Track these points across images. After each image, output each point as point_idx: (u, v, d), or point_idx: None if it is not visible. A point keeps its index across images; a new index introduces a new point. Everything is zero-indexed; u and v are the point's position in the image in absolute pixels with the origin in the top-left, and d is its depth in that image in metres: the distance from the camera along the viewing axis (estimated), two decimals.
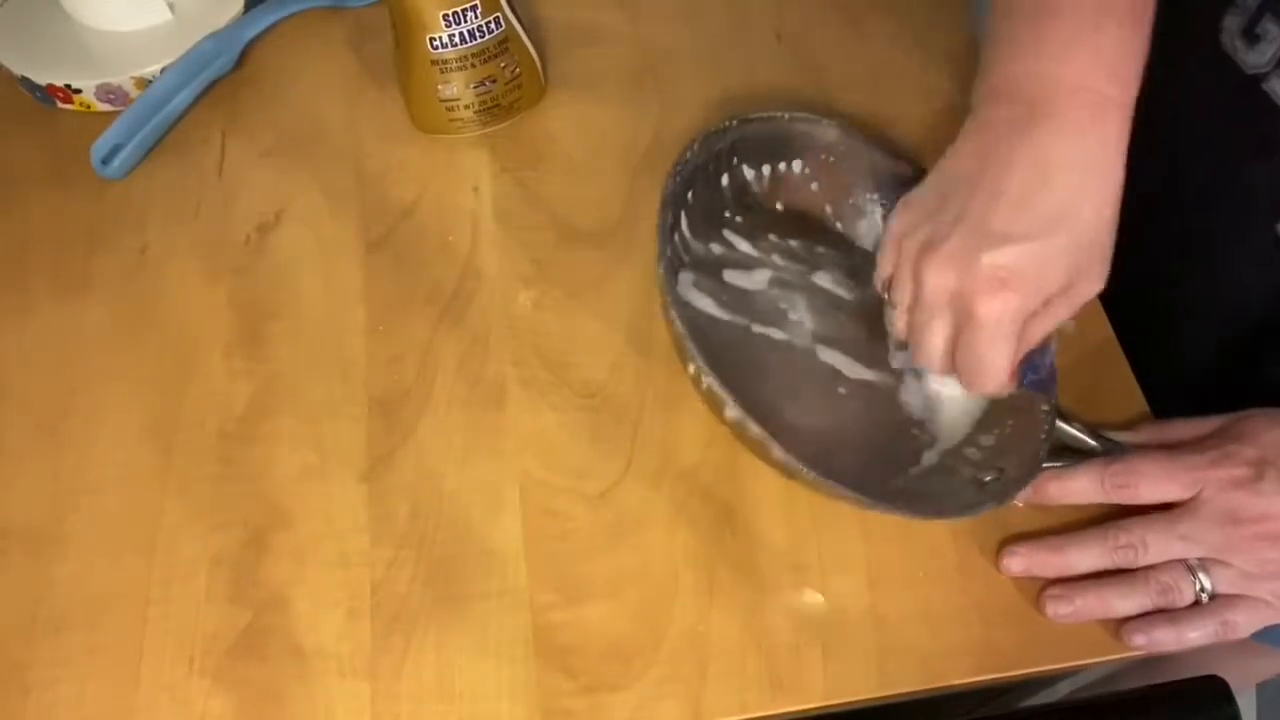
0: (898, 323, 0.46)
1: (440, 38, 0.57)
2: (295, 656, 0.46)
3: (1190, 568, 0.44)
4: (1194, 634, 0.44)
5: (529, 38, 0.60)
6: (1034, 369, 0.46)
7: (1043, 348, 0.46)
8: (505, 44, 0.59)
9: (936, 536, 0.48)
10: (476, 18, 0.56)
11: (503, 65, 0.60)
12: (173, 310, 0.57)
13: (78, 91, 0.64)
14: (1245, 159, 0.50)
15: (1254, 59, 0.48)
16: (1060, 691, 0.66)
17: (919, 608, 0.47)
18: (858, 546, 0.48)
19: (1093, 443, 0.48)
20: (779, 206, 0.56)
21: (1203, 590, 0.44)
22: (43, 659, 0.47)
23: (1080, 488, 0.46)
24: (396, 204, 0.60)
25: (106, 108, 0.65)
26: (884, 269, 0.46)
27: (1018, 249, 0.39)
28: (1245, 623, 0.44)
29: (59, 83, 0.63)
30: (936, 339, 0.43)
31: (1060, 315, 0.42)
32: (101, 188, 0.61)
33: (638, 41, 0.67)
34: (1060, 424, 0.48)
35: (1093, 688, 0.64)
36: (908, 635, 0.46)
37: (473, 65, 0.58)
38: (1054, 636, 0.46)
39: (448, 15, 0.56)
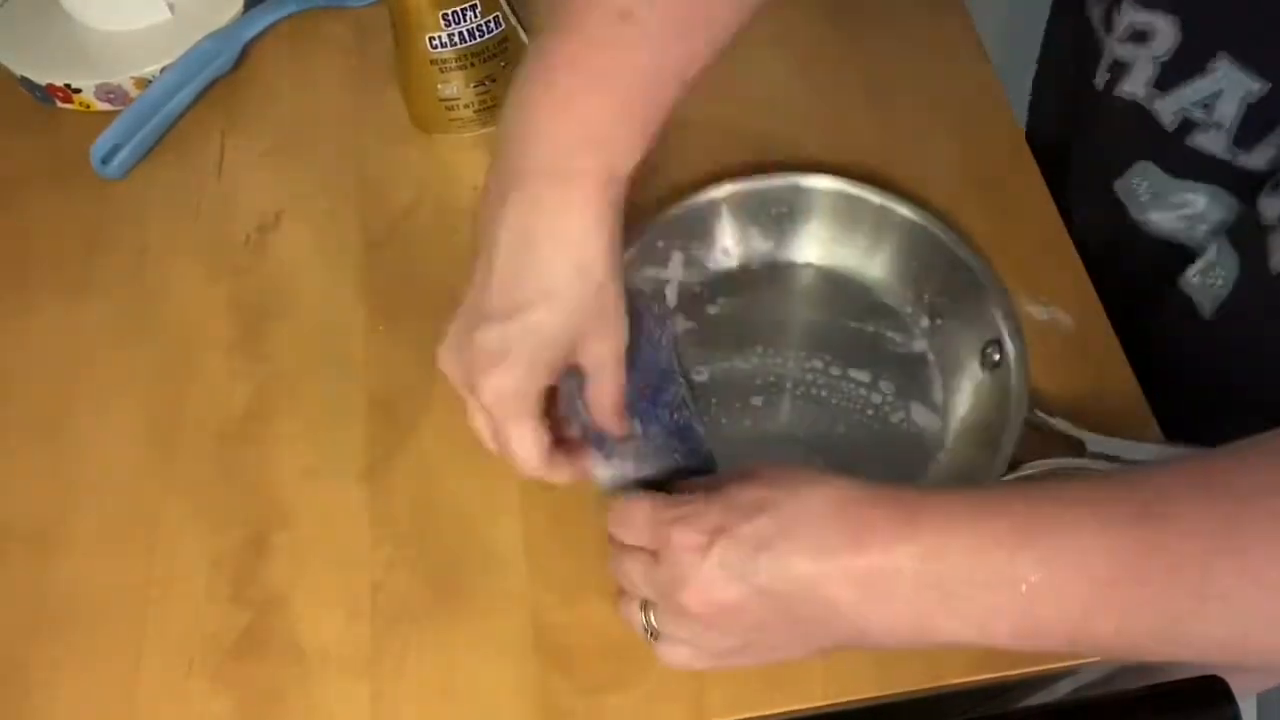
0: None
1: (439, 37, 0.57)
2: (295, 657, 0.46)
3: (645, 613, 0.40)
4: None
5: (529, 36, 0.60)
6: (655, 419, 0.43)
7: (655, 398, 0.43)
8: (505, 43, 0.59)
9: None
10: (476, 17, 0.56)
11: (502, 64, 0.60)
12: (173, 310, 0.57)
13: (77, 91, 0.64)
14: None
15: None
16: (1060, 691, 0.66)
17: None
18: None
19: (1076, 434, 0.48)
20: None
21: (650, 631, 0.40)
22: (43, 659, 0.47)
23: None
24: (397, 204, 0.60)
25: (106, 107, 0.65)
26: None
27: (504, 327, 0.39)
28: (671, 662, 0.40)
29: (59, 83, 0.63)
30: (478, 425, 0.42)
31: (601, 376, 0.41)
32: (101, 188, 0.61)
33: None
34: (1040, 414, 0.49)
35: (1093, 688, 0.64)
36: None
37: (472, 64, 0.58)
38: None
39: (447, 14, 0.56)
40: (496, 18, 0.58)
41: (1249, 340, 0.51)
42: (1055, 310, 0.54)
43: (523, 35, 0.59)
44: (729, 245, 0.57)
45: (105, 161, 0.61)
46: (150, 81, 0.64)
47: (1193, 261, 0.53)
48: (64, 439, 0.53)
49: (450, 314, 0.55)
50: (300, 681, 0.46)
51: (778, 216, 0.56)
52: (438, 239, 0.59)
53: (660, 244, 0.55)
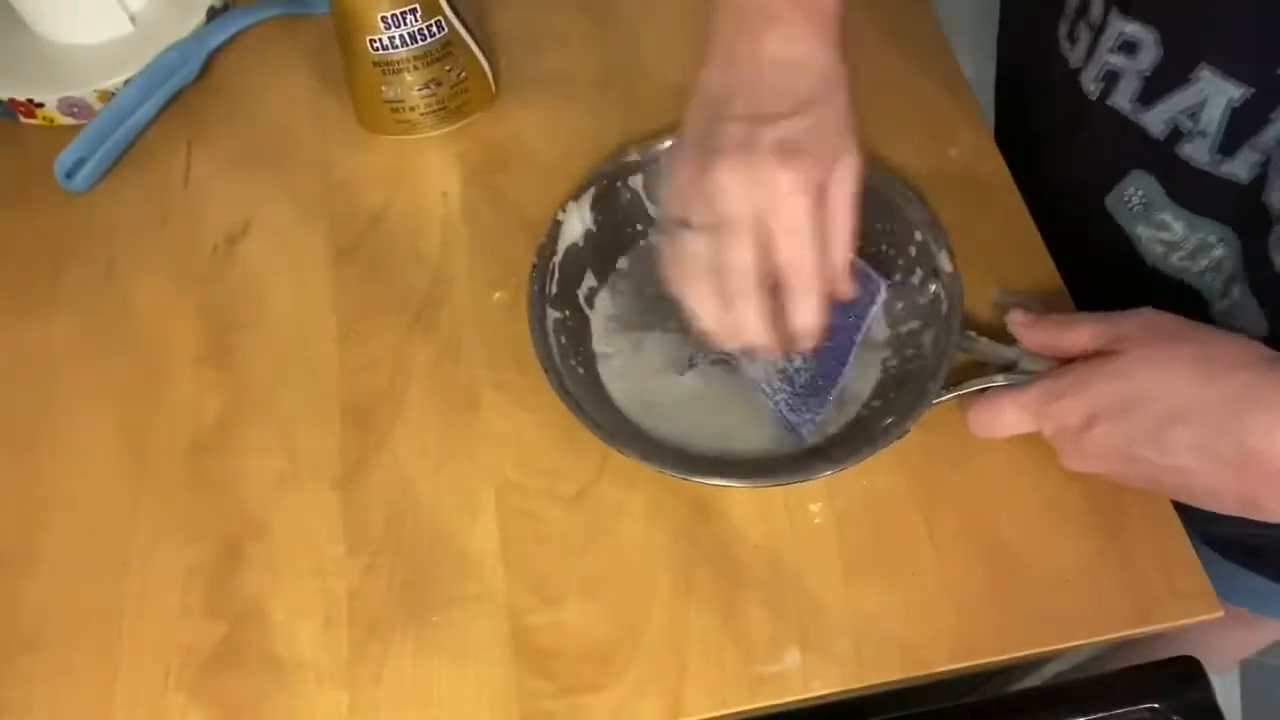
0: (691, 246, 0.43)
1: (380, 39, 0.56)
2: (272, 667, 0.46)
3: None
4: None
5: (476, 41, 0.60)
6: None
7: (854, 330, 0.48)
8: (449, 47, 0.59)
9: (910, 527, 0.49)
10: (417, 20, 0.56)
11: (448, 69, 0.59)
12: (141, 323, 0.56)
13: (40, 106, 0.63)
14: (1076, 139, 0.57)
15: (1074, 58, 0.54)
16: (1046, 675, 0.66)
17: (895, 598, 0.47)
18: (832, 539, 0.48)
19: (1010, 354, 0.50)
20: None
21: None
22: (17, 677, 0.46)
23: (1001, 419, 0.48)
24: (365, 210, 0.60)
25: (70, 121, 0.64)
26: (673, 208, 0.44)
27: (789, 123, 0.42)
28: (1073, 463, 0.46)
29: (21, 97, 0.63)
30: (744, 251, 0.41)
31: (841, 194, 0.43)
32: (66, 202, 0.61)
33: (603, 45, 0.67)
34: (974, 337, 0.50)
35: (1079, 670, 0.64)
36: (885, 626, 0.46)
37: (416, 68, 0.58)
38: (1030, 622, 0.46)
39: (386, 18, 0.56)
40: (439, 21, 0.57)
41: None
42: (1023, 300, 0.55)
43: (467, 39, 0.59)
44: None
45: (70, 175, 0.61)
46: (114, 94, 0.63)
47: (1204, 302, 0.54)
48: (33, 454, 0.52)
49: (423, 319, 0.56)
50: (278, 692, 0.46)
51: None
52: (406, 244, 0.58)
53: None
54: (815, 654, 0.46)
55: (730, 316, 0.43)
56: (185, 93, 0.65)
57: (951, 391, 0.49)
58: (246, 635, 0.47)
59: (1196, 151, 0.49)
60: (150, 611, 0.48)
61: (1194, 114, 0.48)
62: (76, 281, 0.58)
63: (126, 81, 0.63)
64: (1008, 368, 0.49)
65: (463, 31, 0.59)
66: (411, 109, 0.60)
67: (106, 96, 0.64)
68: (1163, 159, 0.51)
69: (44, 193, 0.61)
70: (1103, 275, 0.55)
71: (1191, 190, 0.51)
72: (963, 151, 0.60)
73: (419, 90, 0.59)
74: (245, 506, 0.50)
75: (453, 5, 0.58)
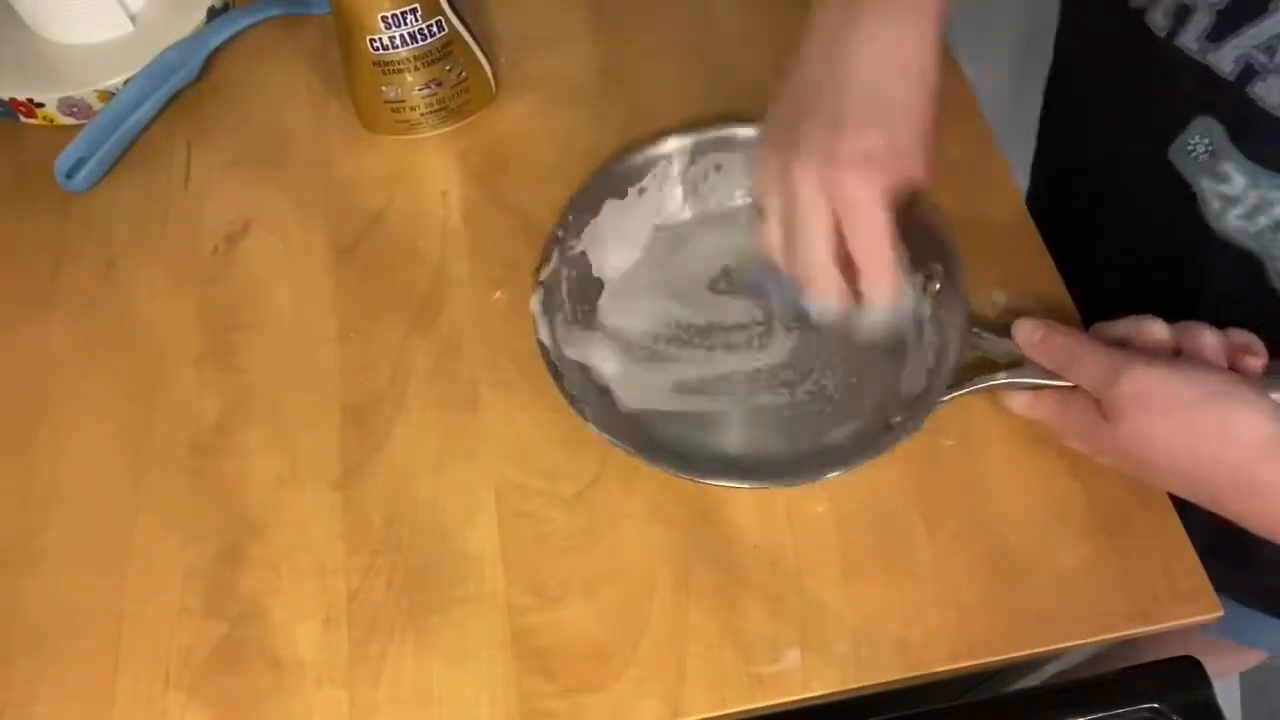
0: (770, 236, 0.46)
1: (380, 39, 0.56)
2: (272, 667, 0.46)
3: None
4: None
5: (476, 41, 0.60)
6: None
7: None
8: (449, 47, 0.59)
9: (910, 527, 0.49)
10: (417, 20, 0.56)
11: (448, 69, 0.59)
12: (141, 323, 0.57)
13: (40, 106, 0.63)
14: (1139, 88, 0.56)
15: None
16: (1046, 674, 0.66)
17: (895, 598, 0.47)
18: (832, 539, 0.48)
19: (1016, 351, 0.50)
20: None
21: None
22: (16, 678, 0.46)
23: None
24: (365, 210, 0.60)
25: (70, 121, 0.64)
26: (757, 186, 0.48)
27: (874, 133, 0.43)
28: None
29: (21, 97, 0.63)
30: (817, 239, 0.44)
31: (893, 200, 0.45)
32: (66, 202, 0.61)
33: (603, 46, 0.66)
34: (981, 335, 0.51)
35: (1078, 670, 0.64)
36: (885, 626, 0.46)
37: (416, 68, 0.58)
38: (1029, 622, 0.46)
39: (386, 17, 0.56)
40: (439, 21, 0.57)
41: None
42: (1019, 298, 0.55)
43: (467, 39, 0.59)
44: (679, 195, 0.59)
45: (70, 175, 0.61)
46: (114, 94, 0.63)
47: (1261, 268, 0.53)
48: (33, 455, 0.52)
49: (423, 319, 0.56)
50: (278, 692, 0.46)
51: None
52: (406, 244, 0.58)
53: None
54: (815, 654, 0.46)
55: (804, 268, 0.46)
56: (185, 93, 0.65)
57: (958, 390, 0.49)
58: (246, 635, 0.47)
59: (1269, 91, 0.47)
60: (150, 611, 0.48)
61: (1270, 47, 0.46)
62: (76, 281, 0.58)
63: (126, 81, 0.63)
64: (1013, 365, 0.49)
65: (463, 31, 0.59)
66: (412, 109, 0.60)
67: (106, 96, 0.64)
68: (1231, 101, 0.49)
69: (44, 193, 0.61)
70: (1164, 241, 0.55)
71: (1258, 137, 0.50)
72: (964, 150, 0.60)
73: (419, 90, 0.59)
74: (245, 506, 0.50)
75: (453, 5, 0.58)
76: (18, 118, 0.64)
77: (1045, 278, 0.56)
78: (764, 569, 0.48)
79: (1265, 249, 0.53)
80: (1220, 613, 0.46)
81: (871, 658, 0.46)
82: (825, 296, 0.45)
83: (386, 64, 0.58)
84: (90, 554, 0.49)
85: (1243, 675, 1.18)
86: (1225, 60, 0.48)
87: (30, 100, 0.63)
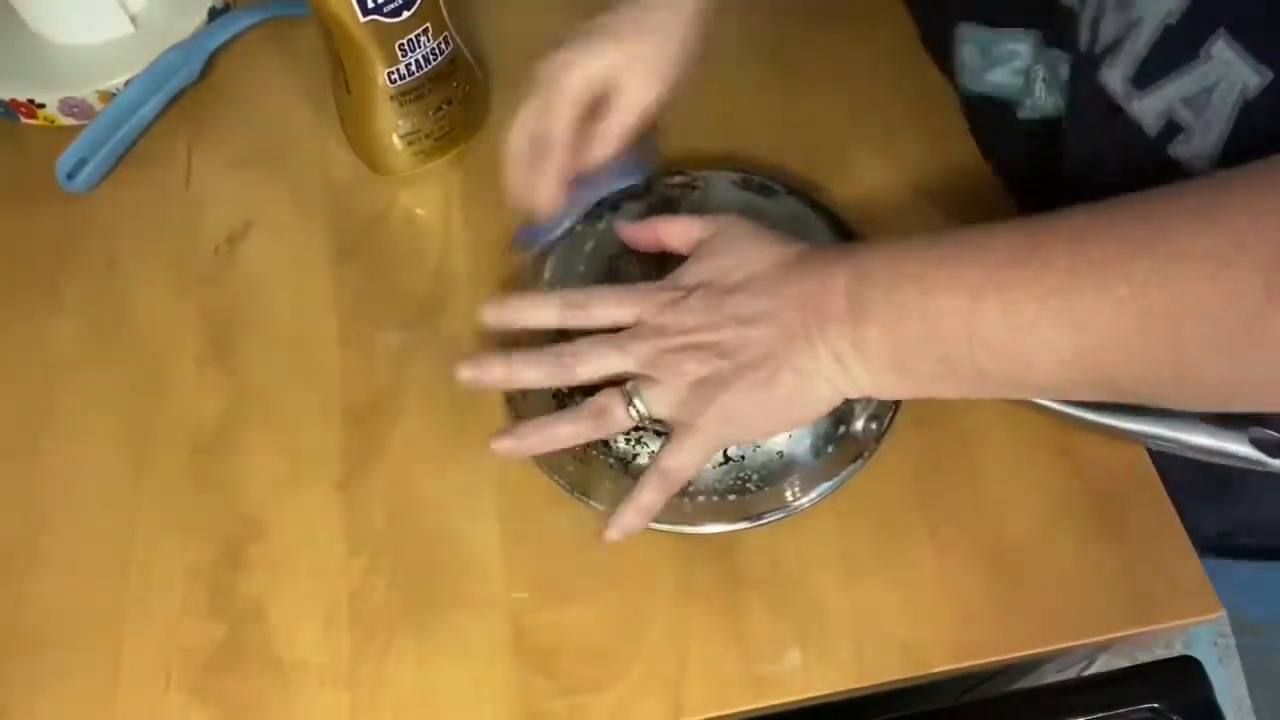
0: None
1: (398, 69, 0.56)
2: (274, 668, 0.46)
3: (626, 393, 0.45)
4: (646, 496, 0.45)
5: (470, 52, 0.60)
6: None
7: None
8: (454, 63, 0.58)
9: (910, 527, 0.49)
10: (429, 40, 0.56)
11: (455, 84, 0.59)
12: (142, 324, 0.57)
13: (41, 106, 0.63)
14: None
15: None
16: (1046, 675, 0.66)
17: (896, 598, 0.47)
18: (832, 539, 0.48)
19: None
20: None
21: (637, 412, 0.45)
22: (18, 680, 0.46)
23: (541, 314, 0.48)
24: (366, 212, 0.60)
25: (71, 122, 0.64)
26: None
27: (625, 19, 0.50)
28: (687, 461, 0.45)
29: (22, 98, 0.63)
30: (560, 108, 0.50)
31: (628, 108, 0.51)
32: (67, 202, 0.61)
33: None
34: None
35: (1082, 670, 0.64)
36: (885, 626, 0.46)
37: (430, 90, 0.58)
38: (1029, 622, 0.46)
39: (403, 44, 0.55)
40: (446, 37, 0.57)
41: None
42: None
43: (465, 51, 0.59)
44: None
45: (71, 176, 0.61)
46: (115, 95, 0.63)
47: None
48: (34, 456, 0.52)
49: (424, 319, 0.56)
50: (279, 693, 0.46)
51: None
52: (407, 246, 0.58)
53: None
54: (815, 654, 0.46)
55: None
56: (186, 93, 0.65)
57: None
58: (248, 636, 0.47)
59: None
60: (151, 612, 0.48)
61: None
62: (77, 282, 0.58)
63: (127, 82, 0.63)
64: None
65: (460, 44, 0.59)
66: (426, 136, 0.59)
67: (107, 97, 0.64)
68: None
69: (45, 193, 0.61)
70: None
71: (1011, 13, 0.50)
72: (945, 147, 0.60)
73: (433, 113, 0.58)
74: (246, 507, 0.50)
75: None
76: (18, 119, 0.64)
77: None
78: (765, 569, 0.48)
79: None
80: (1220, 612, 0.46)
81: (872, 658, 0.46)
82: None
83: (404, 94, 0.57)
84: (91, 554, 0.49)
85: (1247, 667, 1.18)
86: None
87: (31, 101, 0.63)
